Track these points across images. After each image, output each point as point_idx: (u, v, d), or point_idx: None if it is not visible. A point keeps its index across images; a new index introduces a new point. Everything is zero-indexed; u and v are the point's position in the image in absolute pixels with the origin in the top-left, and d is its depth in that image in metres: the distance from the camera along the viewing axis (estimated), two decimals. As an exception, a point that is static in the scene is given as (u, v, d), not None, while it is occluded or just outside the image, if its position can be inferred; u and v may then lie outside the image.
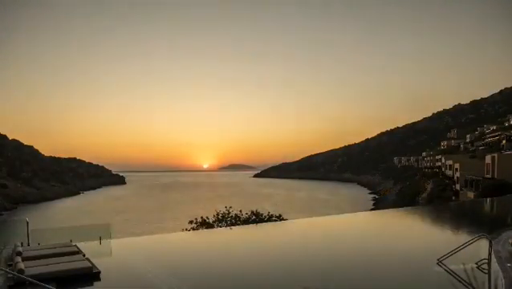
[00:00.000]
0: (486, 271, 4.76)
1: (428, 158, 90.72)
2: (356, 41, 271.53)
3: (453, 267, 5.27)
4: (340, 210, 53.75)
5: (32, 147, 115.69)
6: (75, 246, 6.17)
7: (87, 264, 5.09)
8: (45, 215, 61.80)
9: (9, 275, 4.53)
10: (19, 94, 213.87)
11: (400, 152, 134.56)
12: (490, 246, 4.88)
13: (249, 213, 16.26)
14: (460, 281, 4.92)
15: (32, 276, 4.27)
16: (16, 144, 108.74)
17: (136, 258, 6.85)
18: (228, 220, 15.77)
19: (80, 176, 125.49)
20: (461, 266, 5.27)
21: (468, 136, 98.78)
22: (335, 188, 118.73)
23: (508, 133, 64.62)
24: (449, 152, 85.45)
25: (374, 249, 7.50)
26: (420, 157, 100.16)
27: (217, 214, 16.22)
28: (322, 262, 6.46)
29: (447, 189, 55.05)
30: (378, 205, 70.28)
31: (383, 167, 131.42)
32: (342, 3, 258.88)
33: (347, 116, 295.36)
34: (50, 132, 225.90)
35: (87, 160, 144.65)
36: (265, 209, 18.43)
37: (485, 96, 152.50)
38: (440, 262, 5.41)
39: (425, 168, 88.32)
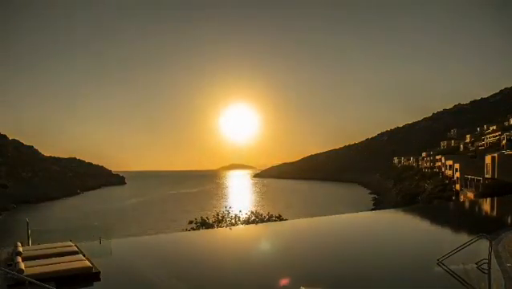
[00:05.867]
0: (486, 271, 4.76)
1: (428, 158, 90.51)
2: (357, 42, 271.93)
3: (453, 267, 5.26)
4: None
5: (32, 147, 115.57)
6: (75, 246, 6.15)
7: (86, 264, 5.07)
8: (45, 215, 61.74)
9: (9, 275, 4.52)
10: (19, 94, 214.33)
11: (400, 152, 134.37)
12: (490, 246, 4.87)
13: (249, 214, 16.23)
14: (460, 281, 4.92)
15: (32, 276, 4.26)
16: (16, 144, 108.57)
17: (136, 258, 6.84)
18: (228, 220, 15.75)
19: (80, 176, 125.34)
20: (461, 266, 5.27)
21: (468, 136, 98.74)
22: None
23: (508, 133, 64.60)
24: (449, 152, 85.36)
25: (374, 249, 7.49)
26: (420, 157, 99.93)
27: (217, 215, 16.20)
28: (321, 262, 6.45)
29: (447, 189, 55.01)
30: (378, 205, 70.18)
31: (383, 167, 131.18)
32: (342, 5, 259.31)
33: (347, 116, 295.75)
34: (50, 132, 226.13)
35: (86, 161, 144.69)
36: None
37: (485, 96, 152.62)
38: (440, 262, 5.40)
39: (425, 168, 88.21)
